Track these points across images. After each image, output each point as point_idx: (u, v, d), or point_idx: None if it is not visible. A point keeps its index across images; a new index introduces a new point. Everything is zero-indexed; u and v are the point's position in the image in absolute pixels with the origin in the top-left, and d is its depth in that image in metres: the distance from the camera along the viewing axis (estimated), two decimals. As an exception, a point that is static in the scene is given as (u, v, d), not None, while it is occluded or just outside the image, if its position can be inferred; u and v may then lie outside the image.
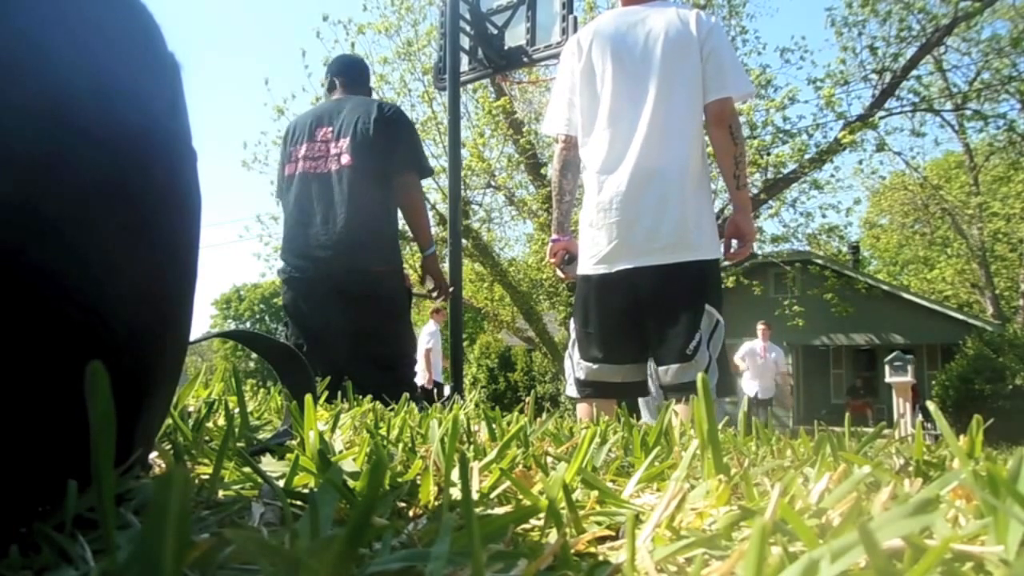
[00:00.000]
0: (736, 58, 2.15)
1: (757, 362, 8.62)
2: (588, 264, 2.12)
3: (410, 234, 2.82)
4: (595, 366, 2.13)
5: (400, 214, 2.67)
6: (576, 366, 2.18)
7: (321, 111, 2.62)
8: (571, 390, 2.23)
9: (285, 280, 2.59)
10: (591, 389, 2.15)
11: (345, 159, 2.45)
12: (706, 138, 2.14)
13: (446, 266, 3.36)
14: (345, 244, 2.42)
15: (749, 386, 8.57)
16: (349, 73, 2.73)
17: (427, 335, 8.40)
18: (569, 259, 2.26)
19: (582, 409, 2.19)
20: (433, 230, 2.74)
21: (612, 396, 2.12)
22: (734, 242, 2.13)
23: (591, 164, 2.12)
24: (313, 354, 2.46)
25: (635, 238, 2.01)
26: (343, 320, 2.44)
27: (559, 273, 2.36)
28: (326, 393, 1.10)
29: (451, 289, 2.80)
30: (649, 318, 2.05)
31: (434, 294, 2.79)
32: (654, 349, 2.06)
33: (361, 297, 2.44)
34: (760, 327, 8.78)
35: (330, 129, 2.52)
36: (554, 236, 2.31)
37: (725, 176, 2.10)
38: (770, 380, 8.77)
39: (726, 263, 2.14)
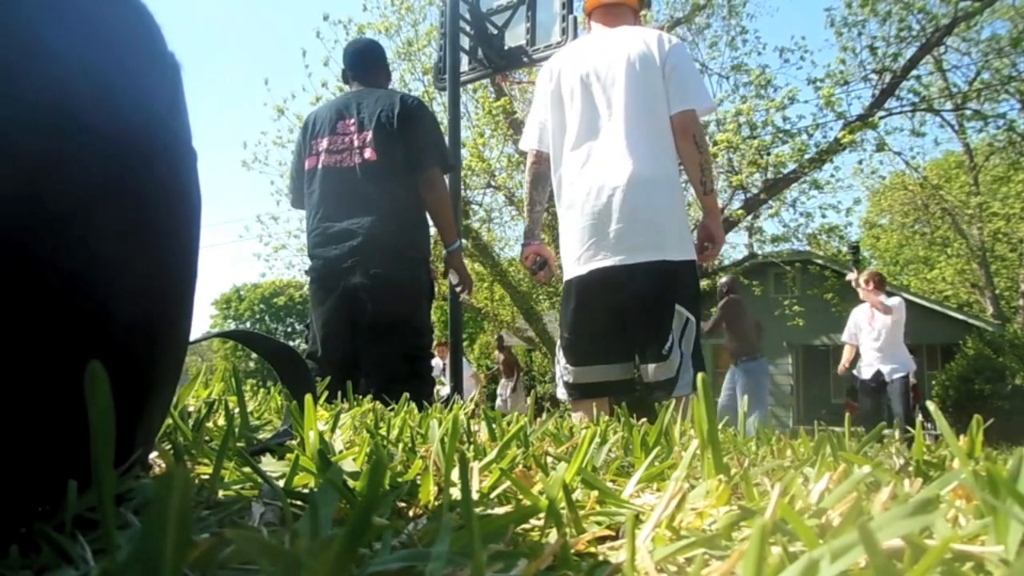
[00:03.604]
0: (698, 75, 2.31)
1: (867, 332, 5.76)
2: (568, 270, 2.24)
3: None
4: (578, 368, 2.23)
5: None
6: (563, 370, 2.28)
7: (342, 103, 2.60)
8: (560, 392, 2.33)
9: (311, 273, 2.60)
10: (576, 391, 2.25)
11: (368, 153, 2.46)
12: None
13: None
14: (371, 237, 2.43)
15: (866, 370, 5.76)
16: (357, 64, 2.73)
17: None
18: (540, 263, 2.44)
19: (578, 410, 2.26)
20: (432, 231, 2.73)
21: (597, 396, 2.21)
22: (706, 244, 2.27)
23: (565, 178, 2.24)
24: (338, 348, 2.50)
25: (606, 240, 2.13)
26: (370, 311, 2.44)
27: (533, 277, 2.51)
28: (326, 393, 1.10)
29: (461, 289, 2.80)
30: (627, 318, 2.15)
31: (458, 289, 2.80)
32: (637, 348, 2.17)
33: (387, 289, 2.44)
34: (863, 283, 5.71)
35: (352, 121, 2.51)
36: (524, 241, 2.47)
37: (693, 183, 2.23)
38: (893, 349, 5.65)
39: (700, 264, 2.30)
